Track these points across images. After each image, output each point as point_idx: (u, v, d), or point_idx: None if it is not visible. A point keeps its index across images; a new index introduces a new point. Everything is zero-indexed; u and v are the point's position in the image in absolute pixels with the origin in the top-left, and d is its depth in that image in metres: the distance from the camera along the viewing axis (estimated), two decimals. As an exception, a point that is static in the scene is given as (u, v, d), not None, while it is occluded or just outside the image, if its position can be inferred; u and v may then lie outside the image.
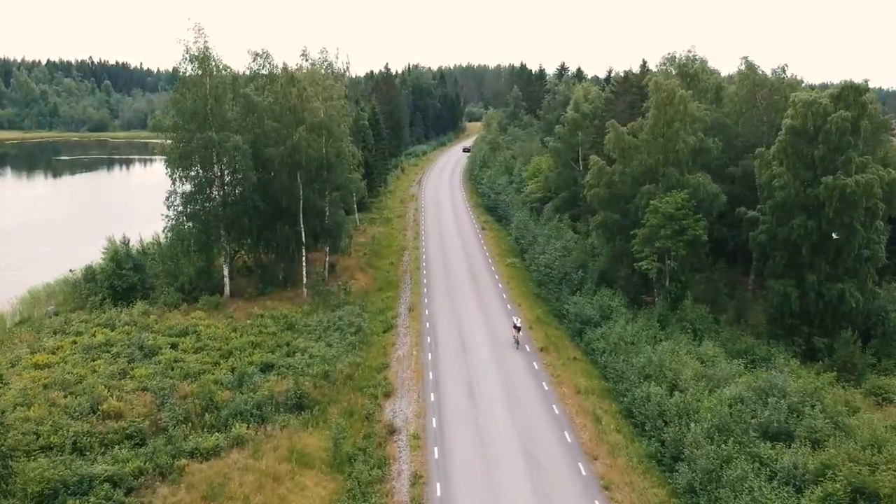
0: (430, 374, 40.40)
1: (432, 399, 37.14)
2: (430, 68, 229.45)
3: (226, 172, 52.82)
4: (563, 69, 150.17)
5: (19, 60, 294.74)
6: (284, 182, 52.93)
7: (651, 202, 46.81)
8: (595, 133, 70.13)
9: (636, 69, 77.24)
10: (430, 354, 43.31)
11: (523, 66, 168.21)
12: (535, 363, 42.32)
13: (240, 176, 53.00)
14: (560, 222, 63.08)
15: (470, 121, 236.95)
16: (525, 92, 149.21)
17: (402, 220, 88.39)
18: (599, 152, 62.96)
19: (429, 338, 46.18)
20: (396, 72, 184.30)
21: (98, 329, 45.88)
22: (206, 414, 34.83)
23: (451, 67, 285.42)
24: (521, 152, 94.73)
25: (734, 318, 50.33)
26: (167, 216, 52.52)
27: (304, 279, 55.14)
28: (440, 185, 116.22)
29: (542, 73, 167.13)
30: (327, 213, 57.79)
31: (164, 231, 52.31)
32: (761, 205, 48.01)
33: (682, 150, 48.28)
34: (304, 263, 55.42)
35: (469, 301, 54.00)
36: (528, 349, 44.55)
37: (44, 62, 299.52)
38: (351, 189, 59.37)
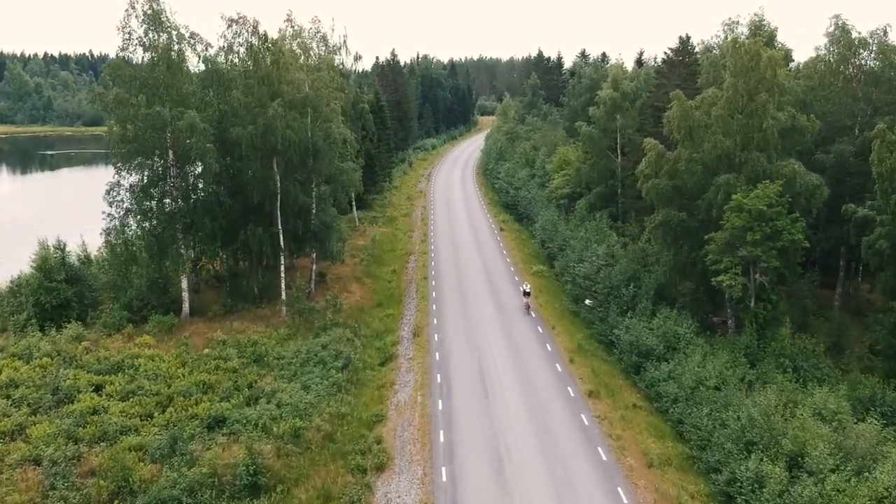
0: (441, 433, 29.21)
1: (444, 478, 25.95)
2: (439, 60, 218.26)
3: (184, 159, 41.71)
4: (583, 56, 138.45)
5: (17, 54, 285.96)
6: (256, 172, 41.78)
7: (733, 197, 35.47)
8: (641, 116, 58.88)
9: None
10: (440, 401, 32.14)
11: (540, 54, 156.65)
12: (583, 415, 31.08)
13: (200, 164, 42.00)
14: (601, 223, 51.64)
15: (482, 115, 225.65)
16: (543, 80, 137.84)
17: (408, 219, 77.21)
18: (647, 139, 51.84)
19: (439, 376, 35.03)
20: (405, 62, 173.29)
21: (8, 362, 35.04)
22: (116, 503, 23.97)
23: (463, 60, 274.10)
24: (544, 143, 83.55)
25: (829, 346, 39.03)
26: (109, 215, 41.58)
27: (283, 294, 44.05)
28: (451, 180, 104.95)
29: (559, 61, 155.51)
30: (314, 212, 46.75)
31: (103, 233, 41.29)
32: (879, 200, 36.49)
33: (770, 129, 36.90)
34: (282, 274, 44.31)
35: (490, 322, 42.80)
36: (571, 392, 33.29)
37: (41, 55, 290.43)
38: (344, 182, 48.14)
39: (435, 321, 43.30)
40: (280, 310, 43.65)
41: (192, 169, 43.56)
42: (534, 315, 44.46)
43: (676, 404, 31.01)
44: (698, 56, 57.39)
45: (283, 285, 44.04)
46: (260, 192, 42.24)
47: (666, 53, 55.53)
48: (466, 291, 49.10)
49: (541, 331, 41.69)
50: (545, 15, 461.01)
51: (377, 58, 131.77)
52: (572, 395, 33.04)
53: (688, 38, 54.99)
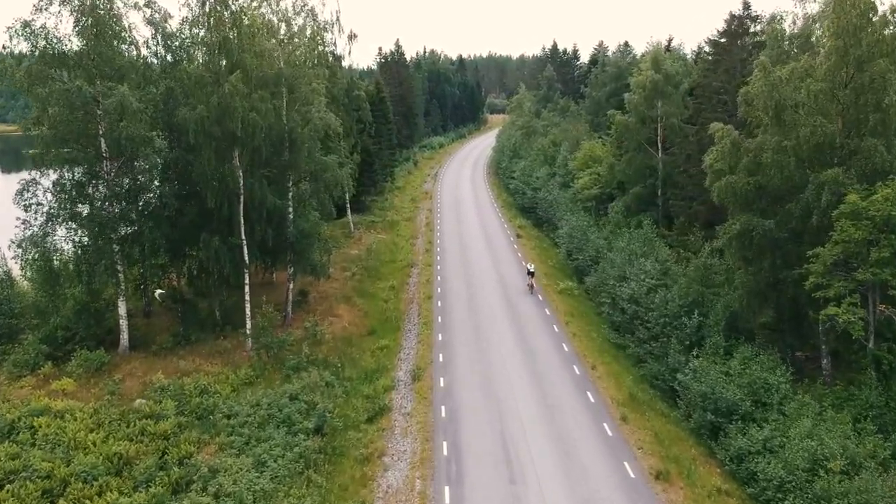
0: (449, 549, 19.84)
1: None
2: (447, 55, 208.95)
3: (118, 150, 32.42)
4: (601, 47, 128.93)
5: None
6: (210, 166, 32.42)
7: (846, 199, 25.99)
8: (690, 101, 49.42)
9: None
10: (447, 490, 22.73)
11: (555, 47, 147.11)
12: (652, 512, 21.63)
13: (140, 158, 32.79)
14: (647, 229, 41.93)
15: (492, 113, 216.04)
16: (558, 74, 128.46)
17: (411, 224, 67.84)
18: (700, 130, 42.62)
19: (445, 445, 25.64)
20: (411, 57, 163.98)
21: None
22: None
23: (471, 57, 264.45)
24: (565, 137, 74.09)
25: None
26: (24, 221, 32.43)
27: (248, 322, 34.73)
28: (460, 179, 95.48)
29: (575, 53, 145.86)
30: (290, 217, 37.51)
31: (12, 246, 32.05)
32: None
33: (892, 107, 27.39)
34: (246, 297, 34.95)
35: (512, 361, 33.39)
36: (630, 471, 23.82)
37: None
38: (328, 180, 38.69)
39: (440, 357, 33.91)
40: (244, 343, 34.37)
41: (141, 164, 34.33)
42: (567, 349, 34.99)
43: (785, 496, 21.53)
44: (760, 29, 47.72)
45: (246, 309, 34.68)
46: (216, 193, 32.88)
47: (718, 31, 45.77)
48: (480, 316, 39.70)
49: (578, 372, 32.22)
50: (557, 10, 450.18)
51: (380, 48, 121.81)
52: (632, 475, 23.58)
53: (747, 6, 45.27)
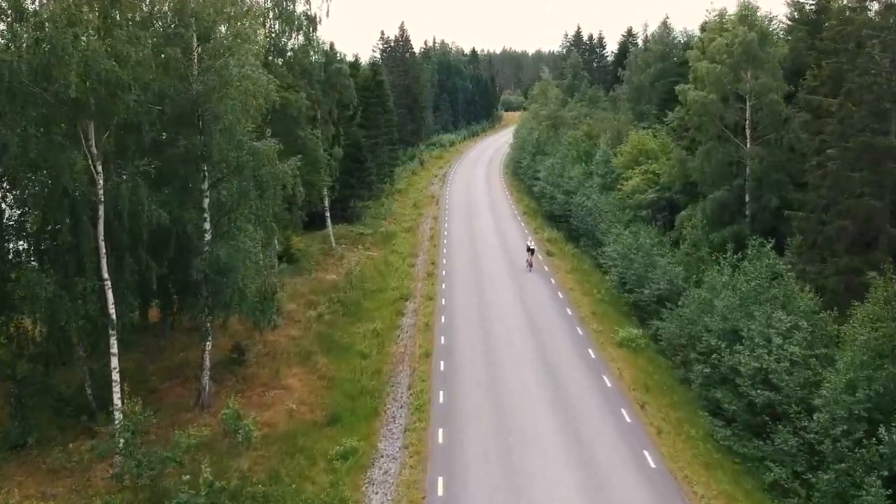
0: None
1: None
2: (459, 47, 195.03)
3: None
4: (630, 34, 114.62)
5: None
6: (32, 152, 18.45)
7: None
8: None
9: None
10: None
11: (579, 33, 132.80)
12: None
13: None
14: (768, 259, 27.19)
15: (507, 110, 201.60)
16: (584, 62, 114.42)
17: (411, 236, 53.83)
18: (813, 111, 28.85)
19: None
20: (420, 47, 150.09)
21: None
22: None
23: (485, 52, 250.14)
24: (606, 128, 59.81)
25: None
26: None
27: (116, 416, 20.69)
28: (473, 180, 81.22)
29: (601, 41, 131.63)
30: (206, 241, 23.55)
31: None
32: None
33: None
34: (114, 374, 20.87)
35: (565, 489, 19.23)
36: None
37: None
38: (264, 179, 24.48)
39: (441, 484, 19.78)
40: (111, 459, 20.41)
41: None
42: (654, 462, 20.78)
43: None
44: None
45: (115, 398, 20.67)
46: (49, 199, 18.97)
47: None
48: (505, 395, 25.49)
49: (685, 522, 18.04)
50: (575, 2, 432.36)
51: (382, 32, 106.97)
52: None
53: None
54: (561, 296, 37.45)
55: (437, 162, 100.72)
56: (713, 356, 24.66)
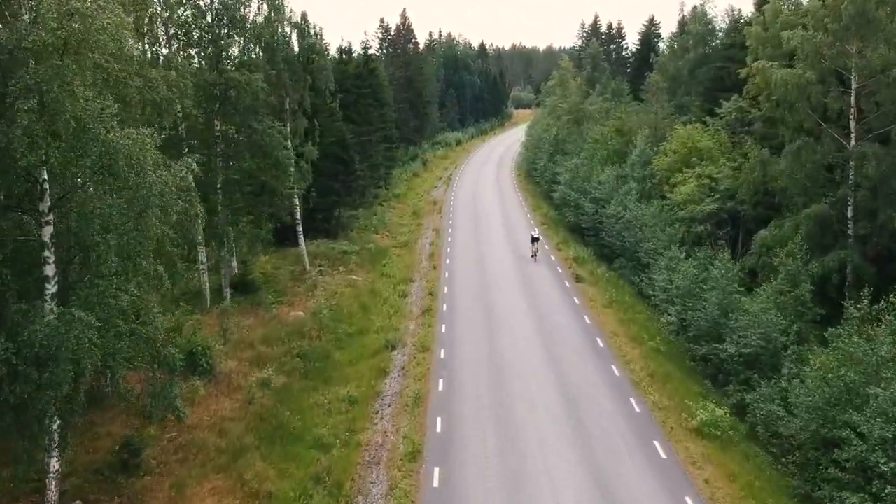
0: None
1: None
2: (467, 40, 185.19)
3: None
4: (652, 23, 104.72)
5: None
6: None
7: None
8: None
9: None
10: None
11: (596, 22, 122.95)
12: None
13: None
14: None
15: (517, 107, 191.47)
16: (603, 52, 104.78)
17: (407, 254, 44.30)
18: None
19: None
20: (425, 39, 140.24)
21: None
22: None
23: (495, 48, 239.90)
24: (641, 123, 49.91)
25: None
26: None
27: None
28: (482, 184, 71.50)
29: (620, 31, 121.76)
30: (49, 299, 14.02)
31: None
32: None
33: None
34: None
35: None
36: None
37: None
38: (150, 201, 14.85)
39: None
40: None
41: None
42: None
43: None
44: None
45: None
46: None
47: None
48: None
49: None
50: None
51: (382, 19, 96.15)
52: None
53: None
54: (602, 345, 27.78)
55: (441, 162, 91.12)
56: (875, 482, 15.08)
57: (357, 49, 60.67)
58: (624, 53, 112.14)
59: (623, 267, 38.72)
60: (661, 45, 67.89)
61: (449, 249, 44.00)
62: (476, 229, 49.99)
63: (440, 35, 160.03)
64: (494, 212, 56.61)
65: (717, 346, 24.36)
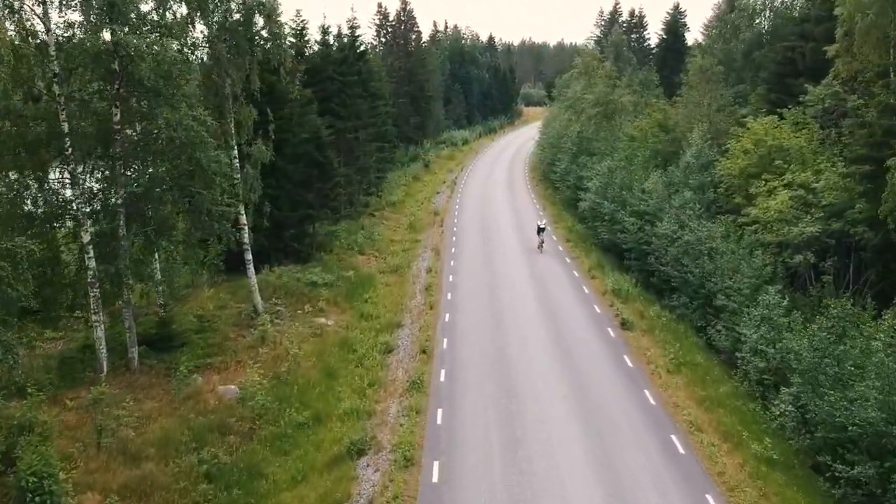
0: None
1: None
2: (475, 33, 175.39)
3: None
4: (677, 10, 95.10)
5: None
6: None
7: None
8: None
9: None
10: None
11: (616, 10, 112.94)
12: None
13: None
14: None
15: (527, 104, 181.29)
16: (626, 40, 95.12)
17: (397, 283, 34.48)
18: None
19: None
20: (430, 31, 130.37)
21: None
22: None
23: (504, 42, 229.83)
24: (687, 116, 39.96)
25: None
26: None
27: None
28: (492, 191, 61.54)
29: (642, 20, 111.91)
30: None
31: None
32: None
33: None
34: None
35: None
36: None
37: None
38: None
39: None
40: None
41: None
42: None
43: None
44: None
45: None
46: None
47: None
48: None
49: None
50: None
51: (379, 4, 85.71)
52: None
53: None
54: (682, 450, 17.95)
55: (446, 164, 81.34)
56: None
57: (344, 30, 50.78)
58: (646, 44, 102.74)
59: (684, 306, 28.87)
60: (697, 31, 57.87)
61: (451, 278, 34.20)
62: (485, 248, 40.22)
63: (445, 27, 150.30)
64: (507, 226, 46.77)
65: (880, 464, 14.55)
